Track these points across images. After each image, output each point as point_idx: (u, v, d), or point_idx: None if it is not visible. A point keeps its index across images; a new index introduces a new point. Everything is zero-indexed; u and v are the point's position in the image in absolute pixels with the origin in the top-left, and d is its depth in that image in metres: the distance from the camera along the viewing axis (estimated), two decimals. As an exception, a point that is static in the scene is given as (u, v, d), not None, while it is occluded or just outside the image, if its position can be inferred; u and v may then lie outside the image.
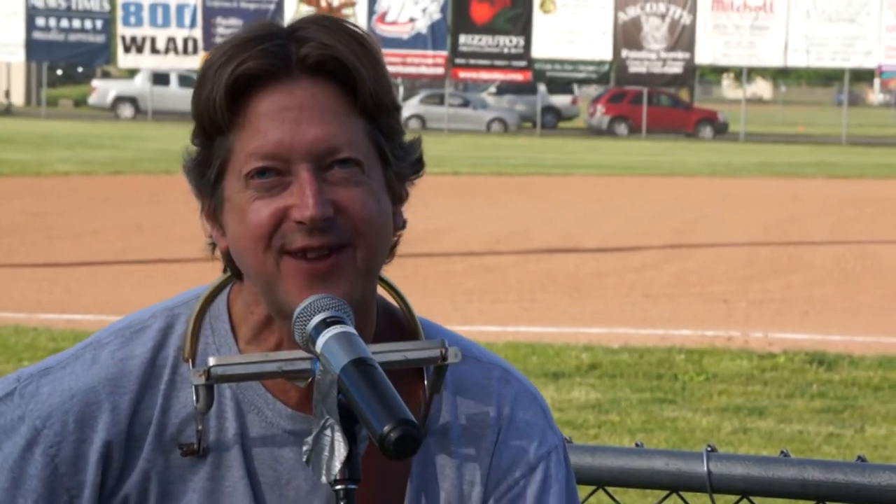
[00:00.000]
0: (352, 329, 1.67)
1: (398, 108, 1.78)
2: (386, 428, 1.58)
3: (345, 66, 1.73)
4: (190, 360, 1.80)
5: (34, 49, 50.10)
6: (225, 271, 1.84)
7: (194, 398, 1.76)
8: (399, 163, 1.78)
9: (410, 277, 13.39)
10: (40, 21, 49.72)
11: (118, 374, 1.80)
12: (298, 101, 1.73)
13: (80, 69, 65.24)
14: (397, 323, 1.86)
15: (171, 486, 1.80)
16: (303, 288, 1.73)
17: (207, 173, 1.76)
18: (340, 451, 1.65)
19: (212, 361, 1.71)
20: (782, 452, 2.42)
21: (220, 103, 1.72)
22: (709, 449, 2.40)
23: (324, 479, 1.66)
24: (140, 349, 1.81)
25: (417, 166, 1.81)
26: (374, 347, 1.71)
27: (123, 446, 1.78)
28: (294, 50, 1.73)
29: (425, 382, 1.82)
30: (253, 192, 1.73)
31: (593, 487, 2.48)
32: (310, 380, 1.70)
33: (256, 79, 1.72)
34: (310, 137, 1.72)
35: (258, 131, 1.72)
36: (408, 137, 1.81)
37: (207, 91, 1.73)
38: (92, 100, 56.32)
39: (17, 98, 61.68)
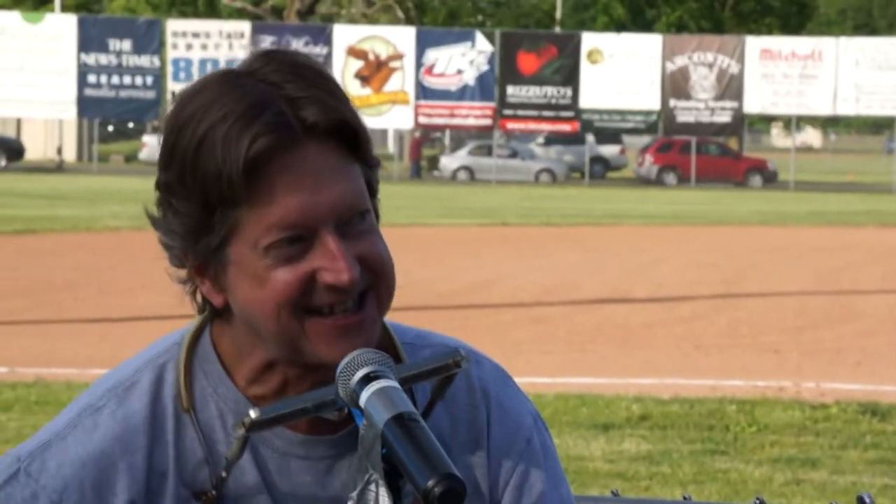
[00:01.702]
0: (395, 383, 1.68)
1: None
2: (430, 482, 1.59)
3: (350, 126, 1.75)
4: (191, 409, 1.79)
5: (86, 106, 50.65)
6: (202, 312, 1.83)
7: (201, 444, 1.77)
8: (377, 186, 1.81)
9: (459, 329, 13.39)
10: (92, 78, 50.27)
11: (125, 433, 1.79)
12: (312, 167, 1.73)
13: (130, 125, 65.85)
14: None
15: None
16: (333, 344, 1.74)
17: (206, 240, 1.74)
18: (385, 506, 1.66)
19: (253, 415, 1.70)
20: (832, 505, 2.39)
21: (237, 179, 1.70)
22: (757, 501, 2.38)
23: (368, 534, 1.66)
24: (138, 404, 1.80)
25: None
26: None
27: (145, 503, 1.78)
28: (292, 113, 1.72)
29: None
30: (272, 260, 1.72)
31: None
32: (340, 409, 1.71)
33: (269, 153, 1.71)
34: (330, 201, 1.73)
35: (276, 203, 1.72)
36: None
37: (214, 166, 1.71)
38: (142, 155, 56.76)
39: (70, 154, 62.28)
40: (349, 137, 1.75)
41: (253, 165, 1.71)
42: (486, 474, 1.86)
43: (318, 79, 1.76)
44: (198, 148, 1.72)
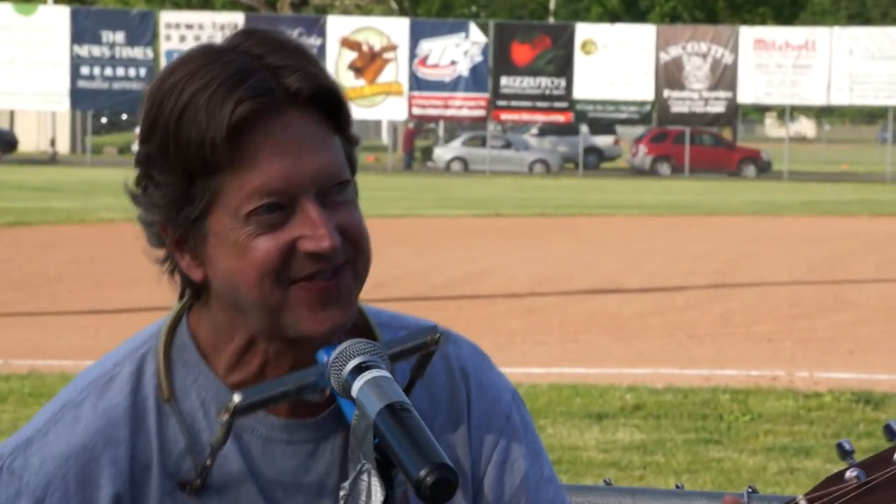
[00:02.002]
0: (387, 373, 1.68)
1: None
2: (422, 472, 1.59)
3: (332, 94, 1.77)
4: (172, 400, 1.79)
5: (79, 98, 50.58)
6: (181, 296, 1.83)
7: (184, 434, 1.77)
8: (356, 163, 1.82)
9: (453, 319, 13.39)
10: (85, 70, 50.20)
11: (107, 426, 1.78)
12: (294, 133, 1.74)
13: (124, 116, 65.79)
14: None
15: None
16: (316, 311, 1.74)
17: (187, 210, 1.74)
18: (377, 495, 1.66)
19: (237, 398, 1.70)
20: (823, 493, 2.40)
21: (221, 144, 1.71)
22: (749, 490, 2.39)
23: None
24: (118, 396, 1.79)
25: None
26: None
27: (129, 497, 1.77)
28: (275, 80, 1.74)
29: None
30: (254, 227, 1.73)
31: (633, 530, 2.47)
32: (322, 390, 1.71)
33: (252, 118, 1.73)
34: (311, 169, 1.74)
35: (257, 169, 1.73)
36: None
37: (197, 132, 1.72)
38: (136, 147, 56.51)
39: (63, 146, 62.20)
40: (331, 107, 1.77)
41: (236, 130, 1.72)
42: (468, 452, 1.87)
43: (298, 51, 1.77)
44: (181, 115, 1.73)
